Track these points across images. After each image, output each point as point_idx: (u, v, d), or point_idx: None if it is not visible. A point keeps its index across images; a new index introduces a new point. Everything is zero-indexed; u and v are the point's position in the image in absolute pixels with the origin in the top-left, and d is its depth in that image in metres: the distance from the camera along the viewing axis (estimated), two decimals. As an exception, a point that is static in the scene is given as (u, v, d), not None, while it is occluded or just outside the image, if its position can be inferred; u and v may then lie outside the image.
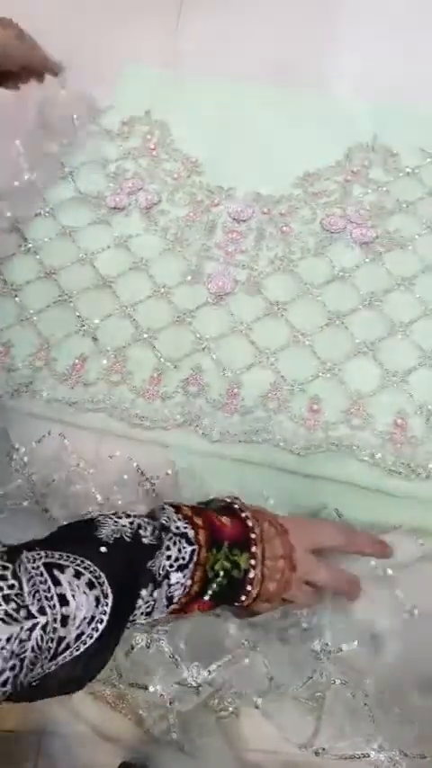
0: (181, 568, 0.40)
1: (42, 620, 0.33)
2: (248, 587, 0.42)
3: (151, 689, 0.47)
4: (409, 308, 0.65)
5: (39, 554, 0.36)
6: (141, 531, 0.40)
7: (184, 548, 0.41)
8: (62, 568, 0.36)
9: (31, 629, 0.33)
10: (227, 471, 0.58)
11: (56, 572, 0.35)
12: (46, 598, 0.34)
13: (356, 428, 0.58)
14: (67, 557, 0.36)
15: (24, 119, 0.82)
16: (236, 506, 0.45)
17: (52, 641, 0.34)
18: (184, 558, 0.40)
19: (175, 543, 0.40)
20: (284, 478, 0.57)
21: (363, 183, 0.75)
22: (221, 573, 0.41)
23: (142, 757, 0.51)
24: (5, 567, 0.34)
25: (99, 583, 0.36)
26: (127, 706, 0.50)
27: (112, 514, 0.41)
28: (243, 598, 0.43)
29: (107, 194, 0.75)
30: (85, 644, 0.35)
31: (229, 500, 0.46)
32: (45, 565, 0.35)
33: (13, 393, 0.61)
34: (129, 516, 0.41)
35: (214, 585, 0.41)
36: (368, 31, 0.90)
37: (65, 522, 0.42)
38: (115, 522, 0.40)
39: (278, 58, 0.87)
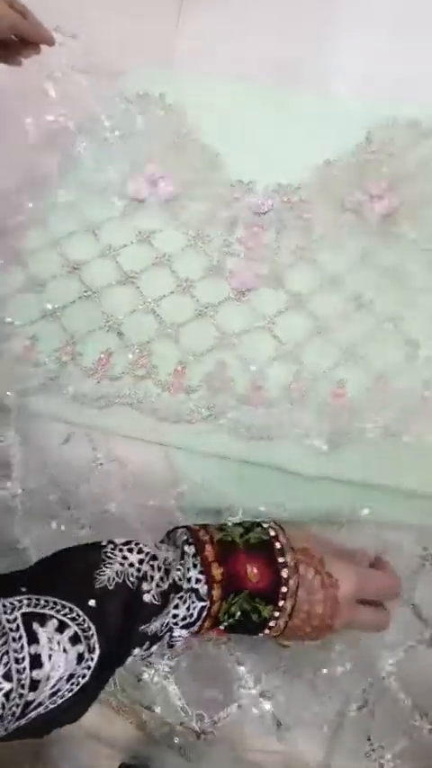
0: (187, 626, 0.37)
1: (6, 686, 0.30)
2: (267, 630, 0.39)
3: (157, 709, 0.48)
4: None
5: (20, 601, 0.32)
6: (145, 585, 0.36)
7: (193, 604, 0.37)
8: (44, 620, 0.32)
9: None
10: (227, 471, 0.58)
11: (35, 626, 0.32)
12: (16, 660, 0.30)
13: (381, 412, 0.58)
14: (54, 603, 0.33)
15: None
16: (277, 546, 0.40)
17: (17, 707, 0.30)
18: (191, 616, 0.37)
19: (184, 602, 0.37)
20: (285, 479, 0.58)
21: (382, 160, 0.73)
22: (237, 613, 0.38)
23: (142, 759, 0.51)
24: None
25: (86, 636, 0.33)
26: (129, 710, 0.50)
27: (125, 545, 0.38)
28: (264, 633, 0.40)
29: (128, 183, 0.74)
30: (62, 698, 0.32)
31: (273, 533, 0.41)
32: (24, 616, 0.32)
33: (40, 388, 0.62)
34: (141, 552, 0.37)
35: (230, 621, 0.38)
36: (377, 30, 0.88)
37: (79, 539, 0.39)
38: (123, 558, 0.37)
39: (280, 58, 0.86)
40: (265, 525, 0.42)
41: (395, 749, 0.46)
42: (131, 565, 0.36)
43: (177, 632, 0.37)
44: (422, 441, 0.56)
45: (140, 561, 0.37)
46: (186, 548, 0.39)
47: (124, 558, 0.37)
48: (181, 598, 0.37)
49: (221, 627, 0.39)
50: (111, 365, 0.63)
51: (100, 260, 0.70)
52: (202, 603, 0.37)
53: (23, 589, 0.33)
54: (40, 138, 0.79)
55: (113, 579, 0.35)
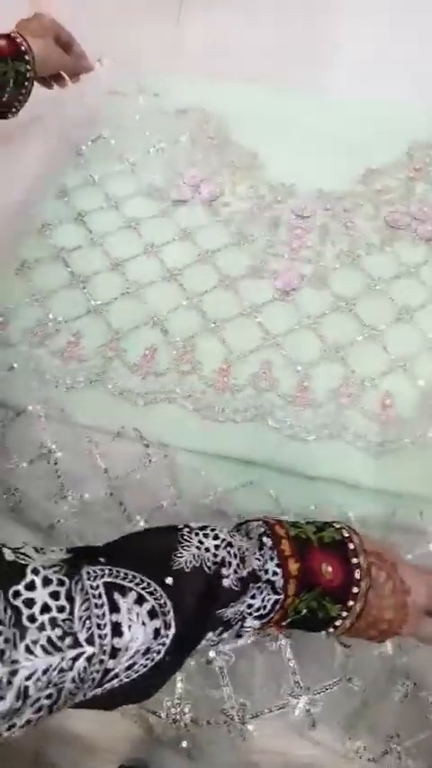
0: (260, 618, 0.37)
1: (89, 650, 0.30)
2: (331, 629, 0.39)
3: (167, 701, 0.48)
4: None
5: (102, 570, 0.33)
6: (224, 571, 0.35)
7: (269, 596, 0.37)
8: (124, 591, 0.32)
9: (75, 659, 0.29)
10: (229, 471, 0.57)
11: (116, 595, 0.32)
12: (98, 626, 0.31)
13: (430, 423, 0.58)
14: (133, 577, 0.33)
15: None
16: (351, 547, 0.39)
17: (97, 672, 0.31)
18: (265, 608, 0.37)
19: (261, 592, 0.36)
20: (287, 478, 0.57)
21: (426, 180, 0.75)
22: (304, 610, 0.38)
23: (141, 761, 0.51)
24: (62, 583, 0.31)
25: (163, 612, 0.33)
26: (136, 714, 0.50)
27: (200, 530, 0.37)
28: (328, 631, 0.39)
29: (170, 187, 0.75)
30: (137, 672, 0.32)
31: (346, 534, 0.40)
32: (105, 585, 0.32)
33: (85, 384, 0.62)
34: (217, 539, 0.37)
35: (295, 617, 0.38)
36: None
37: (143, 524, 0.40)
38: (200, 543, 0.36)
39: (282, 58, 0.88)
40: (337, 526, 0.41)
41: (415, 740, 0.47)
42: (207, 550, 0.36)
43: (249, 622, 0.37)
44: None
45: (216, 547, 0.36)
46: (264, 539, 0.38)
47: (200, 542, 0.36)
48: (258, 588, 0.36)
49: (283, 623, 0.38)
50: (155, 361, 0.63)
51: (143, 257, 0.70)
52: (277, 597, 0.37)
53: (102, 560, 0.33)
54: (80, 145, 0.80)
55: (190, 562, 0.35)
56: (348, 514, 0.55)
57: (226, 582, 0.35)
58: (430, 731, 0.48)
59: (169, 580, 0.34)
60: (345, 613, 0.38)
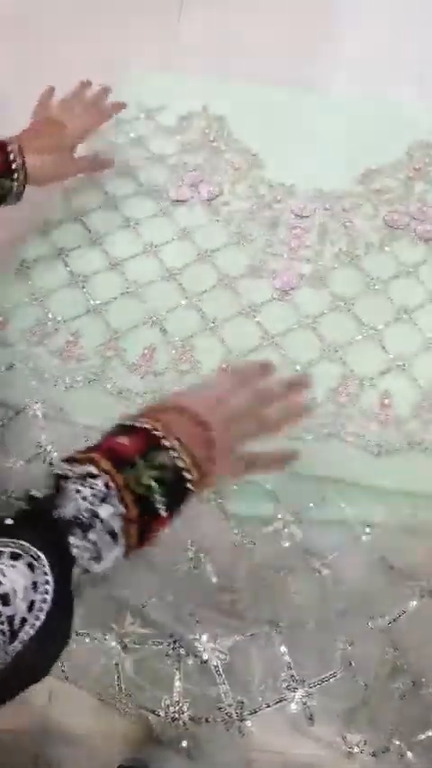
0: (104, 500, 0.38)
1: None
2: (186, 475, 0.40)
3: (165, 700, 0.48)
4: None
5: None
6: (33, 492, 0.38)
7: (94, 484, 0.38)
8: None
9: None
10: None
11: None
12: None
13: (429, 423, 0.58)
14: (12, 543, 0.35)
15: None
16: (127, 423, 0.42)
17: (2, 623, 0.32)
18: (100, 491, 0.38)
19: (82, 484, 0.38)
20: (285, 476, 0.56)
21: (425, 180, 0.75)
22: (153, 484, 0.39)
23: (142, 760, 0.51)
24: None
25: (24, 550, 0.34)
26: (136, 714, 0.50)
27: None
28: (190, 486, 0.40)
29: (169, 187, 0.75)
30: (41, 611, 0.33)
31: (119, 421, 0.43)
32: None
33: (84, 383, 0.62)
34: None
35: (159, 498, 0.39)
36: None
37: None
38: None
39: (282, 57, 0.88)
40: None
41: (419, 738, 0.48)
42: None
43: (103, 511, 0.37)
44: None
45: None
46: (58, 464, 0.40)
47: None
48: (74, 483, 0.38)
49: (160, 511, 0.39)
50: (154, 360, 0.63)
51: (142, 257, 0.70)
52: (103, 479, 0.38)
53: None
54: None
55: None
56: (347, 512, 0.55)
57: (38, 493, 0.38)
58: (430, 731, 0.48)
59: (9, 521, 0.36)
60: (174, 453, 0.39)
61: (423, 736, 0.48)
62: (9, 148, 0.61)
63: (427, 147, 0.78)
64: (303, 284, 0.67)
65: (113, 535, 0.38)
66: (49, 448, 0.57)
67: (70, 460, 0.40)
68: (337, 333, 0.64)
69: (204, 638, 0.49)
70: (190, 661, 0.49)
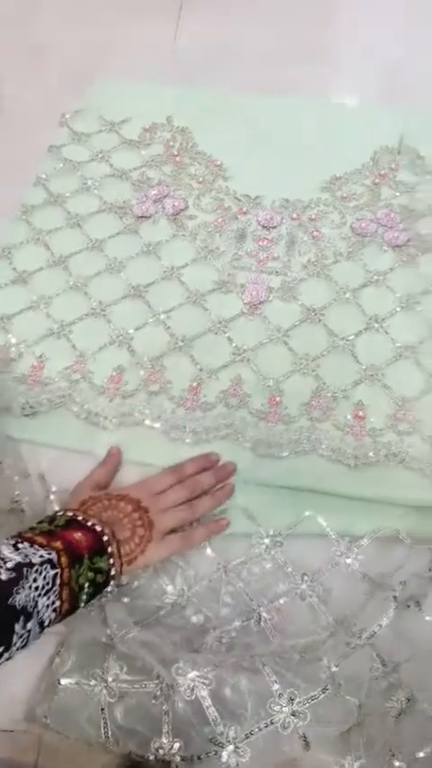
0: (47, 593, 0.42)
1: None
2: (112, 581, 0.46)
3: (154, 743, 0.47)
4: (448, 310, 0.64)
5: None
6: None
7: (48, 573, 0.42)
8: None
9: None
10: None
11: None
12: None
13: (403, 434, 0.57)
14: None
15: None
16: (80, 518, 0.47)
17: None
18: (48, 584, 0.42)
19: (40, 573, 0.41)
20: (264, 493, 0.56)
21: (391, 185, 0.74)
22: (86, 584, 0.44)
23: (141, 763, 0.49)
24: None
25: None
26: (119, 751, 0.49)
27: None
28: (112, 584, 0.46)
29: (133, 203, 0.74)
30: None
31: (70, 514, 0.47)
32: None
33: (50, 407, 0.60)
34: None
35: (84, 597, 0.44)
36: (388, 34, 0.90)
37: None
38: None
39: (280, 62, 0.88)
40: (60, 512, 0.48)
41: (417, 755, 0.46)
42: None
43: (41, 602, 0.41)
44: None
45: None
46: (19, 543, 0.43)
47: None
48: (37, 571, 0.41)
49: (81, 606, 0.44)
50: (123, 382, 0.61)
51: (106, 275, 0.68)
52: (55, 571, 0.42)
53: None
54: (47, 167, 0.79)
55: None
56: (324, 525, 0.54)
57: (4, 576, 0.40)
58: (430, 748, 0.46)
59: None
60: (111, 560, 0.46)
61: (422, 754, 0.47)
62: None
63: (392, 153, 0.77)
64: (273, 297, 0.66)
65: (42, 625, 0.41)
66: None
67: (31, 541, 0.43)
68: (308, 345, 0.63)
69: (190, 676, 0.48)
70: (180, 704, 0.48)
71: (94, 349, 0.63)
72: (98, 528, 0.46)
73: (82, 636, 0.50)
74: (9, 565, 0.40)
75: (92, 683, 0.49)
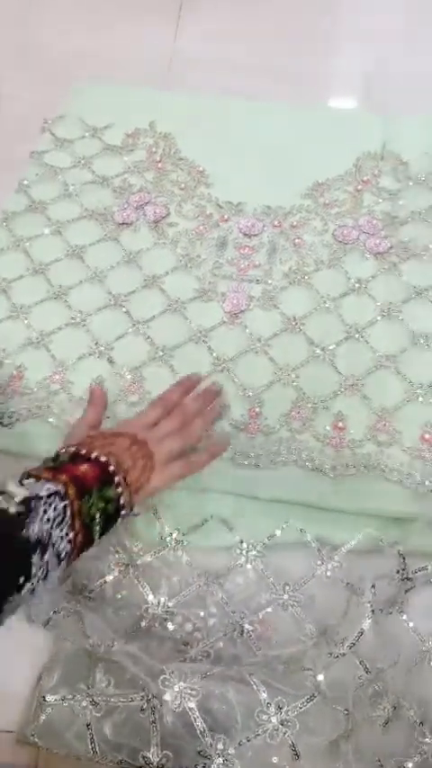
0: (59, 525, 0.42)
1: None
2: (123, 511, 0.46)
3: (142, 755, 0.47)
4: (428, 318, 0.64)
5: None
6: (4, 504, 0.41)
7: (57, 505, 0.42)
8: None
9: None
10: (186, 500, 0.56)
11: None
12: None
13: (383, 444, 0.57)
14: None
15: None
16: (83, 452, 0.47)
17: None
18: (60, 515, 0.42)
19: (50, 504, 0.41)
20: (246, 502, 0.56)
21: (374, 191, 0.74)
22: (98, 514, 0.44)
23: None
24: None
25: None
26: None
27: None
28: (123, 513, 0.46)
29: (114, 210, 0.74)
30: None
31: (73, 449, 0.48)
32: None
33: (28, 416, 0.59)
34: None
35: (97, 528, 0.44)
36: (373, 39, 0.90)
37: None
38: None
39: (278, 67, 0.87)
40: (62, 451, 0.48)
41: (406, 765, 0.46)
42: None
43: (55, 534, 0.41)
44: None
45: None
46: (26, 480, 0.43)
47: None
48: (47, 503, 0.41)
49: (96, 538, 0.44)
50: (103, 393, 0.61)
51: (87, 283, 0.68)
52: (64, 502, 0.42)
53: None
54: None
55: None
56: (304, 534, 0.54)
57: (12, 509, 0.40)
58: (419, 756, 0.46)
59: None
60: (120, 489, 0.46)
61: (410, 765, 0.47)
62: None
63: (375, 159, 0.77)
64: (253, 306, 0.66)
65: (59, 557, 0.41)
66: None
67: (37, 477, 0.43)
68: (288, 355, 0.62)
69: (177, 687, 0.48)
70: (168, 717, 0.47)
71: (74, 359, 0.63)
72: (103, 458, 0.46)
73: (67, 650, 0.50)
74: (17, 499, 0.41)
75: (77, 698, 0.49)
